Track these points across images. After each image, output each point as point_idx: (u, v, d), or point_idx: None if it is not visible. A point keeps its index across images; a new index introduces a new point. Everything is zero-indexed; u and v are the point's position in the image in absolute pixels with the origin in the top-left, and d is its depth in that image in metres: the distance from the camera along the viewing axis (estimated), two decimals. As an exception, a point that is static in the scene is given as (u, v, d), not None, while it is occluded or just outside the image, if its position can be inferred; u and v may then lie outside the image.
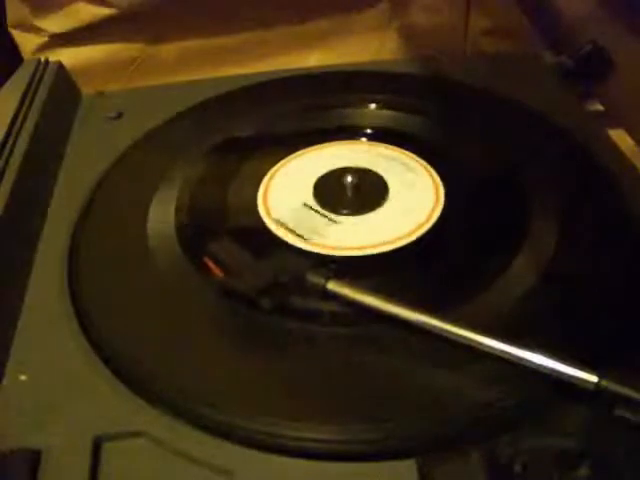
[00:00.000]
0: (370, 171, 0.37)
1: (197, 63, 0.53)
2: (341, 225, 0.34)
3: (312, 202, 0.36)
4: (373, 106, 0.43)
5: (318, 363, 0.27)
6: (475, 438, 0.23)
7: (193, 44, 0.53)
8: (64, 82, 0.47)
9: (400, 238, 0.33)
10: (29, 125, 0.40)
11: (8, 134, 0.38)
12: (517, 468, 0.22)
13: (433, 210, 0.34)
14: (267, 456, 0.24)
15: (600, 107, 0.45)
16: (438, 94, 0.44)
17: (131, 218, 0.35)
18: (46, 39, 0.51)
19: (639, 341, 0.26)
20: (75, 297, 0.31)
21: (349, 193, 0.36)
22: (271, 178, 0.38)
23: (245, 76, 0.47)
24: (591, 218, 0.33)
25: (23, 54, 0.52)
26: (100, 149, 0.41)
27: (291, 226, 0.34)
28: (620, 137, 0.40)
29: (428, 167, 0.37)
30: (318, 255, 0.32)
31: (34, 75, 0.44)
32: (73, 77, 0.48)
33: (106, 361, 0.28)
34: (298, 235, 0.33)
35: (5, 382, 0.27)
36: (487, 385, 0.25)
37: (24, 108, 0.41)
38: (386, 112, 0.43)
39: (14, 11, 0.50)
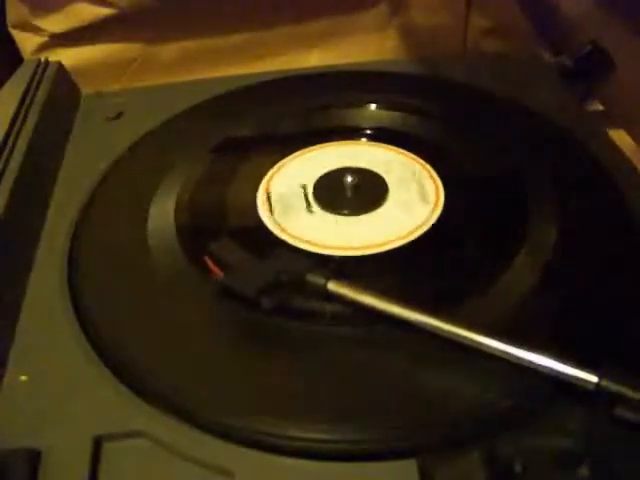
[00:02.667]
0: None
1: (197, 63, 0.53)
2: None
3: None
4: (373, 106, 0.43)
5: (318, 363, 0.27)
6: (475, 438, 0.23)
7: (193, 44, 0.53)
8: (64, 82, 0.47)
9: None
10: (29, 125, 0.40)
11: (8, 134, 0.38)
12: (517, 468, 0.22)
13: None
14: (267, 456, 0.24)
15: (600, 107, 0.45)
16: (438, 94, 0.44)
17: (131, 218, 0.35)
18: (46, 39, 0.51)
19: (639, 341, 0.26)
20: (75, 297, 0.31)
21: (349, 193, 0.36)
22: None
23: (245, 76, 0.47)
24: (591, 218, 0.33)
25: (23, 54, 0.52)
26: (100, 149, 0.41)
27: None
28: (620, 137, 0.40)
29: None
30: (318, 255, 0.32)
31: (34, 75, 0.44)
32: (73, 77, 0.48)
33: (106, 361, 0.28)
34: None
35: (5, 382, 0.27)
36: (487, 385, 0.25)
37: (24, 108, 0.41)
38: (386, 112, 0.43)
39: (14, 11, 0.50)
